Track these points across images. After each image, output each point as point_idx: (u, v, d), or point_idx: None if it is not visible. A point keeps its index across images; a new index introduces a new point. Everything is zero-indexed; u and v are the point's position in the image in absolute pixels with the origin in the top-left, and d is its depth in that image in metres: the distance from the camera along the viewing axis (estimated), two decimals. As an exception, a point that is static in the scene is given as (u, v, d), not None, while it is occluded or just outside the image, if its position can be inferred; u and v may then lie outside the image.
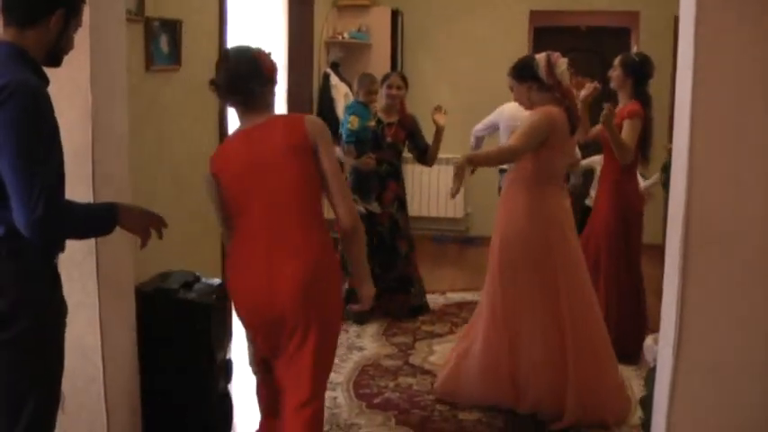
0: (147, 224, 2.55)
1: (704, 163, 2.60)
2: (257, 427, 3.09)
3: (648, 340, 4.02)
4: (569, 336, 3.83)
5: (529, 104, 3.96)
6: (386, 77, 5.50)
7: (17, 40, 2.37)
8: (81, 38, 2.65)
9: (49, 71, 2.48)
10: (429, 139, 5.49)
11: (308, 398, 2.74)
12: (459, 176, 3.46)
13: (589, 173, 6.54)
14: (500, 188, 5.93)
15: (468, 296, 6.03)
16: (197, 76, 4.47)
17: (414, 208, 7.86)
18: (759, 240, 2.61)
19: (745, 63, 2.54)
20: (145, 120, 3.85)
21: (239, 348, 4.67)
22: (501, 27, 7.95)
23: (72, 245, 2.61)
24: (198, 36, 4.46)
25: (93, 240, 2.89)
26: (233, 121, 5.00)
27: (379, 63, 7.26)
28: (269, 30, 7.53)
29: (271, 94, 2.82)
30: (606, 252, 4.72)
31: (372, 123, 5.35)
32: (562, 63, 3.84)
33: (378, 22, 7.61)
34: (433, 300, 6.02)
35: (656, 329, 4.83)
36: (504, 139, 5.94)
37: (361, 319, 5.31)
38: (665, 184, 4.49)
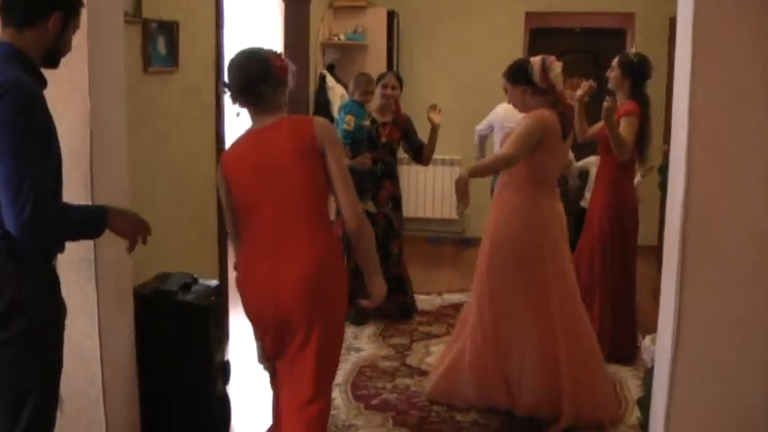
0: (136, 229, 2.55)
1: (702, 163, 2.61)
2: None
3: (646, 341, 4.04)
4: (561, 338, 3.83)
5: (523, 107, 3.96)
6: (381, 77, 5.50)
7: (15, 41, 2.37)
8: (79, 40, 2.66)
9: (47, 73, 2.49)
10: (424, 138, 5.50)
11: (310, 397, 2.75)
12: (464, 192, 3.44)
13: (584, 174, 6.56)
14: (492, 190, 5.96)
15: (465, 297, 5.97)
16: (194, 78, 4.48)
17: (410, 209, 7.88)
18: (757, 241, 2.62)
19: (743, 64, 2.55)
20: (142, 121, 3.84)
21: (237, 350, 4.69)
22: (496, 28, 7.96)
23: (71, 248, 2.61)
24: (195, 38, 4.46)
25: (92, 243, 2.89)
26: (230, 122, 5.00)
27: (375, 64, 7.25)
28: (265, 31, 7.54)
29: (282, 95, 2.83)
30: (601, 252, 4.73)
31: (367, 123, 5.35)
32: (557, 67, 3.84)
33: (374, 24, 7.61)
34: (430, 301, 6.04)
35: (651, 330, 4.86)
36: (498, 139, 5.96)
37: (358, 321, 5.31)
38: (662, 185, 4.51)
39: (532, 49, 7.56)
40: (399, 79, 5.55)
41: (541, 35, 7.93)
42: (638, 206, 4.88)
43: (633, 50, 4.86)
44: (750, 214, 2.62)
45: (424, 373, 4.56)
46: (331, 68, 7.37)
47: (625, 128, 4.51)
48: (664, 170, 4.71)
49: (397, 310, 5.46)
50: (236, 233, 2.89)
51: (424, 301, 5.98)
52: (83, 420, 3.13)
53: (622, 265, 4.75)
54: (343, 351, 4.76)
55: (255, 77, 2.75)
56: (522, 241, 3.86)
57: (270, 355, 2.88)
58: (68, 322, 2.56)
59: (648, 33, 7.39)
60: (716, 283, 2.65)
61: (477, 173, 3.64)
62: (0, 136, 2.18)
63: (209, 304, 3.53)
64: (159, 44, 4.07)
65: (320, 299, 2.72)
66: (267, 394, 4.20)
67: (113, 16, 3.15)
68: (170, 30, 4.16)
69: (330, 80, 7.16)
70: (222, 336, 3.71)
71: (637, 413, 3.96)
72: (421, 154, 5.51)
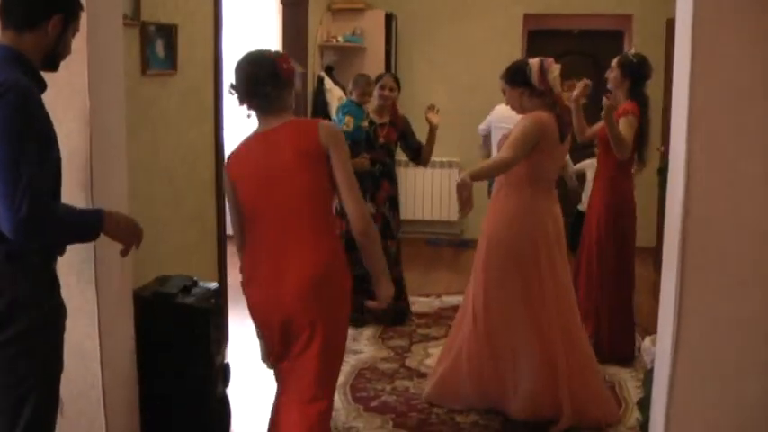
0: (131, 234, 2.55)
1: (702, 164, 2.61)
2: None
3: (646, 342, 4.04)
4: (558, 339, 3.83)
5: (520, 109, 3.96)
6: (379, 78, 5.51)
7: (15, 44, 2.38)
8: (79, 43, 2.67)
9: (47, 76, 2.49)
10: (422, 139, 5.50)
11: (311, 398, 2.76)
12: (468, 197, 3.43)
13: (581, 177, 6.59)
14: (489, 191, 5.97)
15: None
16: (193, 81, 4.48)
17: (408, 211, 7.88)
18: (756, 241, 2.63)
19: (742, 64, 2.55)
20: (141, 124, 3.85)
21: (236, 352, 4.69)
22: (495, 30, 7.98)
23: (71, 250, 2.62)
24: (193, 40, 4.46)
25: (91, 246, 2.89)
26: (229, 124, 5.01)
27: (373, 66, 7.25)
28: (263, 33, 7.54)
29: (289, 96, 2.84)
30: (600, 252, 4.74)
31: (365, 124, 5.36)
32: (555, 69, 3.83)
33: (372, 26, 7.62)
34: (429, 303, 6.04)
35: (650, 331, 4.87)
36: (495, 140, 5.96)
37: (357, 323, 5.31)
38: (662, 186, 4.52)
39: (530, 50, 7.57)
40: (397, 81, 5.56)
41: (539, 37, 7.94)
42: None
43: (633, 51, 4.86)
44: (750, 214, 2.62)
45: (423, 375, 4.56)
46: (329, 70, 7.38)
47: (624, 127, 4.52)
48: (663, 171, 4.72)
49: (391, 314, 5.46)
50: (241, 235, 2.90)
51: (422, 303, 5.99)
52: (83, 422, 3.12)
53: (621, 265, 4.76)
54: (342, 353, 4.82)
55: (262, 79, 2.75)
56: (519, 242, 3.85)
57: (276, 356, 2.88)
58: (68, 324, 2.56)
59: (646, 35, 7.40)
60: (716, 284, 2.65)
61: (478, 176, 3.64)
62: None
63: (209, 307, 3.53)
64: (158, 47, 4.07)
65: (324, 302, 2.73)
66: (267, 397, 4.21)
67: (113, 19, 3.15)
68: (168, 32, 4.16)
69: (328, 82, 7.17)
70: (222, 338, 3.71)
71: (636, 414, 3.97)
72: (419, 155, 5.52)
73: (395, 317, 5.47)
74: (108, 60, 3.09)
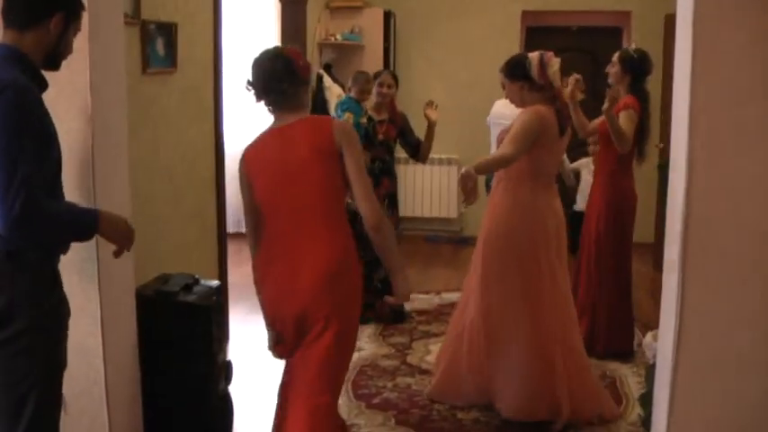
0: (125, 235, 2.55)
1: (703, 162, 2.62)
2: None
3: (648, 337, 4.04)
4: (556, 337, 3.83)
5: (520, 103, 3.95)
6: (377, 75, 5.51)
7: (16, 43, 2.39)
8: (80, 42, 2.67)
9: (48, 75, 2.50)
10: (421, 135, 5.51)
11: (317, 389, 2.78)
12: (473, 189, 3.41)
13: (576, 176, 6.61)
14: (487, 184, 5.98)
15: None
16: (193, 79, 4.49)
17: (407, 208, 7.89)
18: (757, 238, 2.64)
19: (743, 62, 2.56)
20: (141, 122, 3.85)
21: (238, 350, 4.70)
22: (493, 27, 7.98)
23: (73, 249, 2.61)
24: (193, 39, 4.46)
25: (94, 245, 2.89)
26: (229, 123, 5.01)
27: (371, 64, 7.25)
28: (262, 32, 7.55)
29: (305, 93, 2.88)
30: (599, 248, 4.74)
31: (364, 120, 5.37)
32: (555, 63, 3.82)
33: (370, 24, 7.62)
34: (428, 300, 6.05)
35: (648, 327, 4.89)
36: (494, 136, 5.96)
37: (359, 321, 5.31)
38: (662, 182, 4.53)
39: (529, 47, 7.54)
40: (395, 78, 5.57)
41: (538, 34, 7.94)
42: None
43: (633, 46, 4.86)
44: (751, 212, 2.63)
45: (424, 372, 4.57)
46: (328, 68, 7.38)
47: (624, 121, 4.52)
48: (663, 168, 4.72)
49: (389, 313, 5.46)
50: (253, 230, 2.92)
51: (422, 300, 6.00)
52: (85, 420, 3.13)
53: (619, 262, 4.77)
54: (344, 351, 4.82)
55: (278, 76, 2.79)
56: (517, 237, 3.84)
57: (288, 349, 2.89)
58: (71, 323, 2.56)
59: (644, 31, 7.41)
60: (717, 280, 2.66)
61: (482, 170, 3.62)
62: None
63: (210, 305, 3.53)
64: (158, 45, 4.08)
65: (337, 297, 2.76)
66: (269, 394, 4.22)
67: (114, 18, 3.15)
68: (168, 31, 4.17)
69: (327, 80, 7.17)
70: (223, 336, 3.71)
71: (637, 410, 3.98)
72: (418, 151, 5.52)
73: (395, 316, 5.48)
74: (109, 59, 3.10)
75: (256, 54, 2.93)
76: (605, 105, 4.39)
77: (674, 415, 2.72)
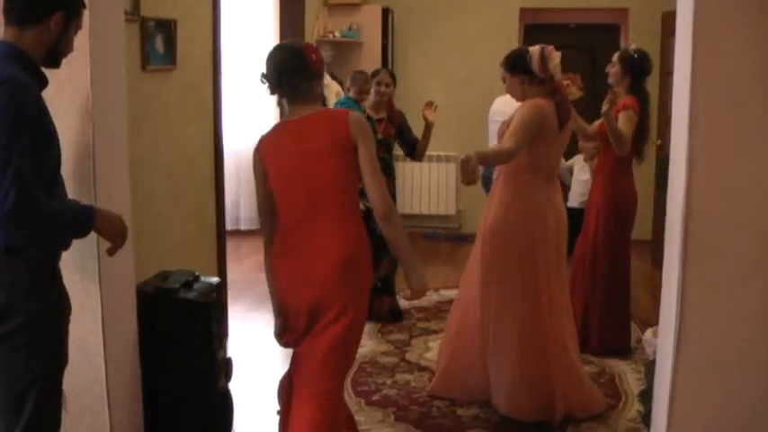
0: (120, 232, 2.56)
1: (703, 160, 2.62)
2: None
3: (647, 334, 4.05)
4: (555, 334, 3.84)
5: (521, 97, 3.94)
6: (375, 74, 5.51)
7: (17, 40, 2.39)
8: (81, 39, 2.68)
9: (49, 73, 2.50)
10: (418, 134, 5.51)
11: (323, 378, 2.82)
12: (474, 169, 3.37)
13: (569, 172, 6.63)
14: (483, 179, 5.98)
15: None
16: (192, 76, 4.48)
17: (405, 205, 7.89)
18: (757, 236, 2.64)
19: (743, 61, 2.56)
20: (141, 119, 3.85)
21: (237, 347, 4.70)
22: (491, 25, 7.98)
23: (74, 246, 2.62)
24: (192, 36, 4.46)
25: (95, 242, 2.90)
26: (228, 120, 5.01)
27: (369, 61, 7.26)
28: (260, 29, 7.55)
29: (318, 86, 2.93)
30: (597, 246, 4.75)
31: (363, 120, 5.36)
32: (555, 57, 3.82)
33: (368, 21, 7.62)
34: (427, 297, 6.02)
35: (646, 323, 4.90)
36: (492, 133, 5.96)
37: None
38: (662, 180, 4.54)
39: (527, 45, 7.55)
40: (393, 76, 5.56)
41: (536, 31, 7.93)
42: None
43: (633, 46, 4.85)
44: (751, 211, 2.63)
45: (423, 369, 4.58)
46: (326, 65, 7.37)
47: (624, 122, 4.52)
48: (663, 165, 4.73)
49: (386, 313, 5.46)
50: (267, 220, 2.95)
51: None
52: (86, 418, 3.14)
53: (616, 261, 4.77)
54: (342, 348, 4.83)
55: (291, 70, 2.83)
56: (516, 232, 3.84)
57: (297, 338, 2.92)
58: (72, 320, 2.57)
59: (641, 29, 7.42)
60: (717, 277, 2.67)
61: (482, 158, 3.61)
62: None
63: (210, 302, 3.54)
64: (157, 42, 4.08)
65: (350, 286, 2.81)
66: (268, 391, 4.23)
67: (114, 16, 3.16)
68: (168, 28, 4.16)
69: (325, 77, 7.15)
70: (223, 333, 3.72)
71: (636, 406, 4.00)
72: (415, 150, 5.52)
73: (392, 316, 5.49)
74: (110, 57, 3.10)
75: (255, 51, 2.95)
76: (604, 108, 4.38)
77: (675, 411, 2.73)
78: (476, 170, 3.40)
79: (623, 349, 4.78)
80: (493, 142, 5.61)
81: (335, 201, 2.82)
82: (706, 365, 2.70)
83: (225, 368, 3.70)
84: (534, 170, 3.85)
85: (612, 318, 4.78)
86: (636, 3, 7.68)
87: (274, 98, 3.04)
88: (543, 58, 3.81)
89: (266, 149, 2.90)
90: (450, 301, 5.80)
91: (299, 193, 2.83)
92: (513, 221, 3.85)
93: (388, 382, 4.41)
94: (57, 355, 2.49)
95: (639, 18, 7.62)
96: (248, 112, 7.81)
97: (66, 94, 2.90)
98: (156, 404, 3.45)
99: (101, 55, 2.99)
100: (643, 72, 4.70)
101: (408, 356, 4.82)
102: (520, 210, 3.85)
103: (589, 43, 7.86)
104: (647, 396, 3.58)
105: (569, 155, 6.61)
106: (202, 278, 3.70)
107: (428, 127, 5.36)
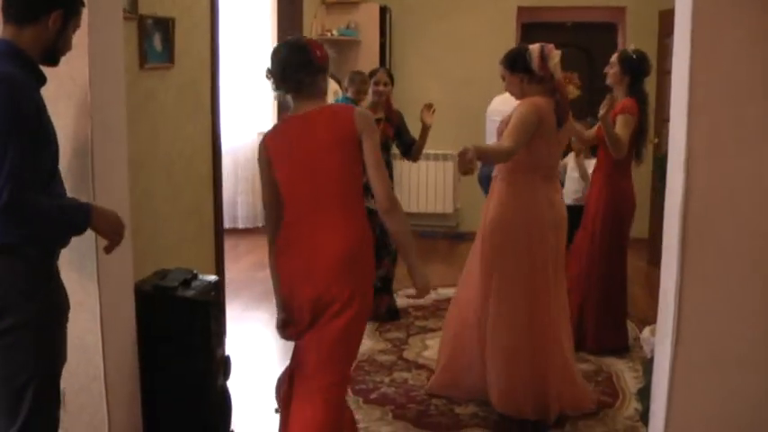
0: (117, 230, 2.56)
1: (702, 157, 2.62)
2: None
3: (645, 332, 4.06)
4: (554, 335, 3.85)
5: (520, 95, 3.93)
6: (372, 74, 5.51)
7: (15, 38, 2.39)
8: (80, 37, 2.67)
9: (48, 71, 2.50)
10: (415, 134, 5.51)
11: (327, 371, 2.85)
12: (471, 160, 3.39)
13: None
14: (479, 179, 5.99)
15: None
16: (190, 74, 4.48)
17: (403, 204, 7.78)
18: (756, 233, 2.64)
19: (742, 57, 2.56)
20: (139, 117, 3.84)
21: (235, 345, 4.70)
22: (489, 23, 7.98)
23: (72, 245, 2.62)
24: (190, 34, 4.46)
25: (93, 241, 2.89)
26: (226, 118, 5.01)
27: (367, 60, 7.27)
28: (258, 27, 7.55)
29: (323, 82, 2.95)
30: (597, 248, 4.75)
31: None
32: (555, 56, 3.81)
33: (366, 19, 7.62)
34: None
35: (643, 321, 4.91)
36: (489, 132, 5.97)
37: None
38: (661, 177, 4.55)
39: (524, 43, 7.57)
40: (390, 75, 5.56)
41: (533, 30, 7.95)
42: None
43: (632, 47, 4.84)
44: (749, 208, 2.63)
45: (421, 367, 4.59)
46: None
47: (621, 126, 4.53)
48: (660, 164, 4.73)
49: (384, 312, 5.47)
50: (272, 213, 2.98)
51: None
52: (85, 416, 3.14)
53: (612, 261, 4.78)
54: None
55: (296, 65, 2.86)
56: (514, 232, 3.84)
57: (299, 330, 2.94)
58: (70, 318, 2.57)
59: (638, 27, 7.44)
60: (716, 275, 2.67)
61: (481, 153, 3.60)
62: None
63: (209, 300, 3.54)
64: (155, 40, 4.07)
65: (353, 279, 2.84)
66: (267, 389, 4.23)
67: (113, 13, 3.16)
68: (166, 26, 4.16)
69: (323, 75, 7.15)
70: (221, 331, 3.72)
71: (634, 404, 4.01)
72: (411, 151, 5.53)
73: (390, 315, 5.50)
74: (109, 55, 3.11)
75: (253, 50, 2.97)
76: (601, 111, 4.38)
77: (673, 409, 2.73)
78: (473, 161, 3.41)
79: (619, 349, 4.78)
80: (490, 141, 5.62)
81: (339, 195, 2.86)
82: (704, 363, 2.70)
83: (223, 366, 3.70)
84: (533, 169, 3.85)
85: (608, 318, 4.78)
86: (633, 1, 7.68)
87: (272, 97, 3.05)
88: (543, 57, 3.81)
89: (272, 144, 2.93)
90: (448, 300, 5.80)
91: (304, 188, 2.86)
92: (512, 220, 3.85)
93: (386, 380, 4.41)
94: (54, 354, 2.49)
95: (636, 17, 7.63)
96: (246, 111, 7.82)
97: (64, 91, 2.90)
98: (155, 402, 3.45)
99: (100, 52, 2.99)
100: (642, 73, 4.70)
101: (406, 355, 4.83)
102: (519, 208, 3.86)
103: (586, 42, 7.86)
104: (645, 394, 3.58)
105: (563, 153, 6.62)
106: (200, 276, 3.70)
107: (425, 129, 5.36)
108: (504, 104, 5.40)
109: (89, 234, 2.57)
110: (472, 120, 7.00)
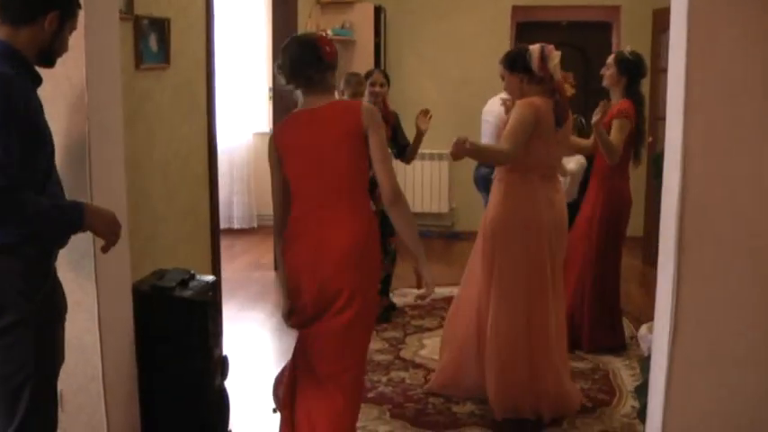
0: (113, 230, 2.54)
1: (698, 154, 2.63)
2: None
3: (643, 329, 4.08)
4: (550, 336, 3.86)
5: (519, 95, 3.93)
6: (368, 75, 5.51)
7: (10, 39, 2.39)
8: (76, 38, 2.67)
9: (44, 71, 2.49)
10: (409, 137, 5.51)
11: (336, 363, 2.90)
12: (465, 152, 3.45)
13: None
14: (475, 179, 5.99)
15: (456, 291, 6.04)
16: (185, 74, 4.47)
17: (399, 203, 7.87)
18: (753, 230, 2.65)
19: (738, 55, 2.57)
20: (135, 118, 3.84)
21: (232, 345, 4.71)
22: (483, 23, 7.99)
23: (70, 245, 2.62)
24: (186, 34, 4.45)
25: (91, 241, 2.89)
26: (222, 118, 5.00)
27: (363, 59, 7.27)
28: (252, 27, 7.55)
29: (332, 77, 3.00)
30: (593, 248, 4.76)
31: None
32: (555, 56, 3.81)
33: (361, 19, 7.61)
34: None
35: (642, 320, 4.92)
36: (484, 132, 5.98)
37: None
38: (657, 175, 4.57)
39: (519, 43, 7.58)
40: (386, 76, 5.56)
41: (528, 29, 7.96)
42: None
43: (629, 48, 4.83)
44: (746, 204, 2.64)
45: (418, 366, 4.60)
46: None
47: (616, 131, 4.51)
48: (656, 161, 4.74)
49: (381, 313, 5.47)
50: (281, 206, 3.02)
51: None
52: (83, 416, 3.14)
53: (609, 261, 4.79)
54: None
55: (306, 61, 2.92)
56: (514, 229, 3.85)
57: (304, 319, 2.98)
58: (68, 319, 2.57)
59: (633, 26, 7.45)
60: (712, 272, 2.68)
61: (479, 154, 3.58)
62: None
63: (206, 300, 3.54)
64: (151, 41, 4.06)
65: (358, 274, 2.87)
66: (264, 389, 4.24)
67: (110, 14, 3.16)
68: (161, 26, 4.15)
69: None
70: (218, 331, 3.72)
71: (631, 402, 4.02)
72: (404, 152, 5.52)
73: (386, 315, 5.51)
74: (105, 55, 3.11)
75: (248, 50, 2.98)
76: (595, 118, 4.37)
77: (670, 406, 2.74)
78: (466, 152, 3.45)
79: (614, 348, 4.79)
80: (485, 141, 5.63)
81: (346, 190, 2.90)
82: (702, 360, 2.71)
83: (221, 366, 3.70)
84: (532, 169, 3.86)
85: (603, 317, 4.80)
86: (627, 0, 7.70)
87: (269, 97, 3.06)
88: (543, 58, 3.81)
89: (281, 138, 2.98)
90: (444, 299, 5.84)
91: (312, 181, 2.90)
92: (511, 220, 3.86)
93: (384, 379, 4.42)
94: (51, 353, 2.48)
95: (631, 15, 7.64)
96: (241, 111, 7.82)
97: (61, 92, 2.90)
98: (153, 402, 3.45)
99: (96, 53, 2.99)
100: (638, 74, 4.70)
101: (403, 354, 4.83)
102: (517, 208, 3.86)
103: (581, 41, 7.87)
104: (642, 391, 3.59)
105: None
106: (198, 276, 3.70)
107: (419, 134, 5.36)
108: (494, 104, 5.41)
109: (87, 234, 2.56)
110: (468, 120, 7.00)
